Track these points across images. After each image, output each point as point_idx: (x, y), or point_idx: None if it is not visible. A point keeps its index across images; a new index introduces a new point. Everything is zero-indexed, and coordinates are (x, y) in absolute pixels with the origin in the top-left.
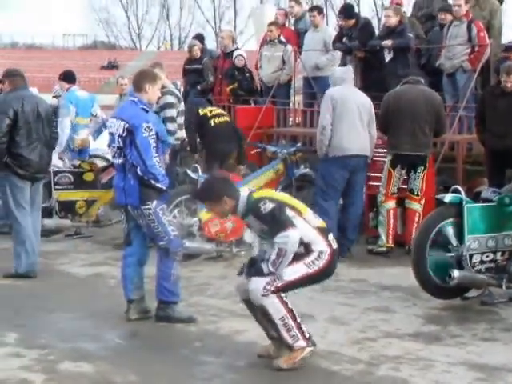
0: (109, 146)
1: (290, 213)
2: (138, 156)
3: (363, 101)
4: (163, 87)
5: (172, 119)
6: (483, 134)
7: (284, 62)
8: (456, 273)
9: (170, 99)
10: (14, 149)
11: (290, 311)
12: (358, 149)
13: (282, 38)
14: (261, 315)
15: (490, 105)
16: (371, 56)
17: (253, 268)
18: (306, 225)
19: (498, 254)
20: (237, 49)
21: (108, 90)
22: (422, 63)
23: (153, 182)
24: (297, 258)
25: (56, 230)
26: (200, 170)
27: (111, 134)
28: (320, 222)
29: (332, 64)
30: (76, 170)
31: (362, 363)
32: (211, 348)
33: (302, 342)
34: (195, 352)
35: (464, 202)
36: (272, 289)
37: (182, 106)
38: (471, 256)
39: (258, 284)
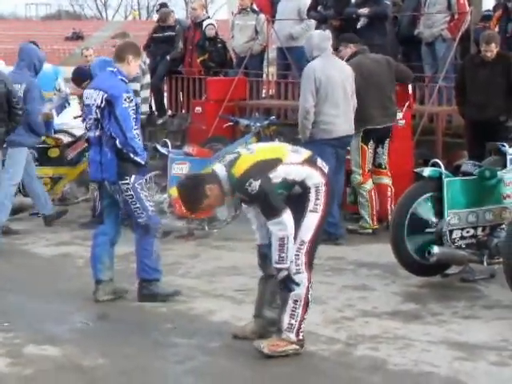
0: (84, 118)
1: (273, 173)
2: (118, 127)
3: (346, 72)
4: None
5: (135, 93)
6: (463, 105)
7: (257, 32)
8: (436, 249)
9: None
10: None
11: (306, 302)
12: (344, 130)
13: (255, 7)
14: (271, 294)
15: (470, 75)
16: (347, 25)
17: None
18: (291, 167)
19: (479, 230)
20: (208, 18)
21: (73, 62)
22: (396, 32)
23: (132, 155)
24: (299, 207)
25: (20, 208)
26: (170, 145)
27: (87, 105)
28: (304, 154)
29: (306, 33)
30: (40, 145)
31: (339, 343)
32: (183, 329)
33: (293, 336)
34: (166, 334)
35: (443, 176)
36: (302, 257)
37: (146, 79)
38: (451, 232)
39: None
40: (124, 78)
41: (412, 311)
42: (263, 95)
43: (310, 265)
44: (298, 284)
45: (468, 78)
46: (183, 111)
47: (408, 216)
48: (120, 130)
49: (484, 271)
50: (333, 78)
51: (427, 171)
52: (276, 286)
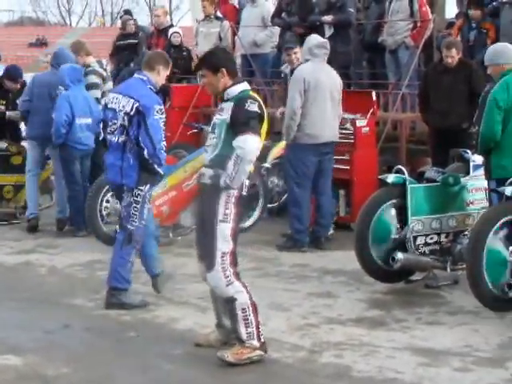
0: (105, 121)
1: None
2: (148, 138)
3: (335, 80)
4: (87, 66)
5: (96, 100)
6: (426, 112)
7: (221, 39)
8: (400, 255)
9: (94, 79)
10: None
11: (253, 304)
12: (329, 136)
13: (219, 14)
14: (222, 304)
15: (434, 82)
16: (311, 32)
17: (203, 258)
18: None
19: (443, 236)
20: (171, 25)
21: (36, 69)
22: (360, 39)
23: (156, 166)
24: (210, 212)
25: None
26: None
27: (112, 109)
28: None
29: (270, 41)
30: (3, 153)
31: (303, 350)
32: (147, 337)
33: (255, 342)
34: (130, 342)
35: (407, 183)
36: (229, 268)
37: (108, 86)
38: (415, 238)
39: (215, 278)
40: (153, 88)
41: (376, 318)
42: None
43: (236, 273)
44: (236, 293)
45: (431, 86)
46: None
47: (372, 223)
48: (150, 141)
49: (448, 277)
50: (321, 83)
51: (391, 178)
52: (224, 302)
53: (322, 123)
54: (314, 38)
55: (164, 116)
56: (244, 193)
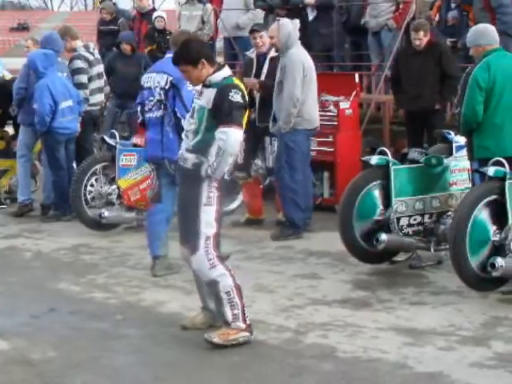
0: (141, 103)
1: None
2: (184, 108)
3: (313, 63)
4: (74, 51)
5: (82, 85)
6: (399, 94)
7: (203, 22)
8: (383, 236)
9: (79, 64)
10: None
11: (237, 286)
12: (318, 119)
13: None
14: (205, 286)
15: (404, 65)
16: (294, 14)
17: (187, 242)
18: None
19: (426, 217)
20: (154, 9)
21: (18, 53)
22: (343, 21)
23: None
24: (193, 197)
25: None
26: (117, 136)
27: (148, 88)
28: None
29: (253, 23)
30: None
31: (289, 331)
32: (133, 320)
33: (241, 324)
34: (117, 325)
35: (390, 164)
36: (212, 251)
37: (97, 69)
38: (398, 219)
39: (199, 261)
40: None
41: (361, 298)
42: None
43: (219, 257)
44: (220, 276)
45: (402, 69)
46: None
47: (356, 204)
48: (185, 111)
49: (431, 258)
50: (312, 67)
51: (374, 159)
52: (208, 285)
53: (316, 107)
54: (291, 22)
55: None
56: (226, 177)
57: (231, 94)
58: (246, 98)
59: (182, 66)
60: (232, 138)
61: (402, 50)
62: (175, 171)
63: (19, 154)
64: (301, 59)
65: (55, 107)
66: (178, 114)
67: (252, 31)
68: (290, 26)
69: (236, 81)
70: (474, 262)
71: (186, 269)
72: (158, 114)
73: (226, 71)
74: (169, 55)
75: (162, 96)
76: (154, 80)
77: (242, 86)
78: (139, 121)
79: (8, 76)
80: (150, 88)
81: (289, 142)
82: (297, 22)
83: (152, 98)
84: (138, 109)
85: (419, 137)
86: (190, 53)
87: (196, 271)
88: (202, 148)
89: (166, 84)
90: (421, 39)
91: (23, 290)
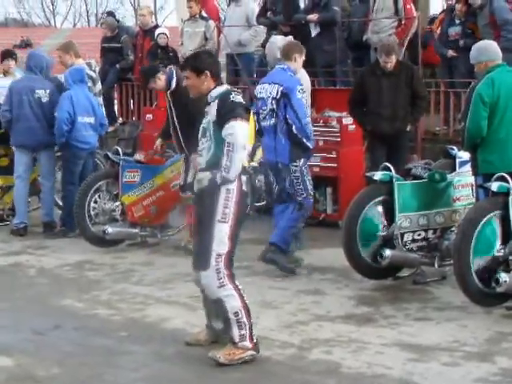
0: (256, 111)
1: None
2: (294, 115)
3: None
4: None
5: None
6: (362, 116)
7: (206, 39)
8: (387, 252)
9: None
10: None
11: (245, 307)
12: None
13: (204, 14)
14: (213, 305)
15: (373, 86)
16: (296, 31)
17: (197, 260)
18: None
19: (430, 232)
20: (157, 26)
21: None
22: (345, 37)
23: (304, 140)
24: (207, 212)
25: None
26: (121, 153)
27: (261, 98)
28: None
29: (256, 40)
30: None
31: (293, 347)
32: (138, 336)
33: (247, 343)
34: (121, 341)
35: (394, 180)
36: (224, 270)
37: (98, 87)
38: (402, 235)
39: (209, 278)
40: (292, 74)
41: (365, 314)
42: None
43: (231, 275)
44: (227, 296)
45: (371, 89)
46: (134, 118)
47: (360, 220)
48: (296, 118)
49: (435, 273)
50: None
51: (378, 175)
52: (214, 304)
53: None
54: (280, 39)
55: (305, 94)
56: (245, 188)
57: (232, 95)
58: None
59: (187, 71)
60: (238, 130)
61: (367, 70)
62: (284, 173)
63: (15, 175)
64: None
65: (74, 119)
66: (290, 121)
67: None
68: (280, 43)
69: (235, 94)
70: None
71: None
72: (271, 122)
73: (226, 86)
74: (279, 66)
75: (274, 105)
76: (267, 90)
77: (242, 100)
78: (256, 129)
79: None
80: (263, 98)
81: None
82: (289, 38)
83: (265, 108)
84: (255, 118)
85: (383, 158)
86: (198, 62)
87: (204, 287)
88: (214, 163)
89: (277, 94)
90: (392, 62)
91: (27, 306)
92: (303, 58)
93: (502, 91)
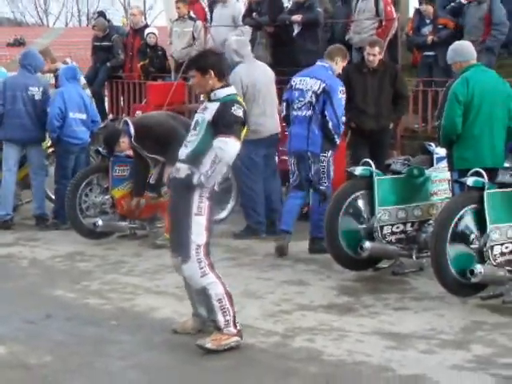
0: (287, 101)
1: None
2: (333, 113)
3: (269, 75)
4: (56, 70)
5: None
6: (346, 111)
7: (194, 38)
8: (367, 244)
9: None
10: None
11: (228, 293)
12: (270, 129)
13: (192, 14)
14: (196, 294)
15: (358, 84)
16: (281, 31)
17: (178, 251)
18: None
19: (408, 225)
20: (146, 25)
21: (15, 68)
22: (328, 38)
23: (336, 136)
24: (184, 206)
25: None
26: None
27: (299, 89)
28: None
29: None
30: None
31: (277, 335)
32: (127, 326)
33: (232, 329)
34: (111, 330)
35: (374, 175)
36: (204, 260)
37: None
38: (382, 227)
39: (191, 269)
40: (332, 73)
41: (346, 304)
42: (201, 99)
43: (211, 264)
44: (210, 283)
45: (356, 86)
46: (124, 115)
47: (341, 213)
48: (335, 116)
49: (413, 265)
50: (258, 82)
51: (359, 170)
52: (198, 293)
53: (264, 119)
54: (234, 41)
55: (345, 96)
56: (216, 188)
57: (234, 108)
58: (246, 117)
59: (192, 70)
60: (230, 148)
61: (352, 67)
62: (313, 162)
63: (4, 168)
64: (240, 77)
65: (65, 115)
66: (327, 117)
67: None
68: (235, 45)
69: (239, 98)
70: (455, 268)
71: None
72: (307, 113)
73: (231, 89)
74: (319, 63)
75: (313, 99)
76: (307, 83)
77: (244, 104)
78: (282, 115)
79: None
80: (301, 90)
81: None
82: (244, 39)
83: (302, 99)
84: (284, 105)
85: (365, 154)
86: (203, 61)
87: (187, 279)
88: (194, 159)
89: (318, 89)
90: (375, 55)
91: (20, 296)
92: (345, 63)
93: (476, 90)
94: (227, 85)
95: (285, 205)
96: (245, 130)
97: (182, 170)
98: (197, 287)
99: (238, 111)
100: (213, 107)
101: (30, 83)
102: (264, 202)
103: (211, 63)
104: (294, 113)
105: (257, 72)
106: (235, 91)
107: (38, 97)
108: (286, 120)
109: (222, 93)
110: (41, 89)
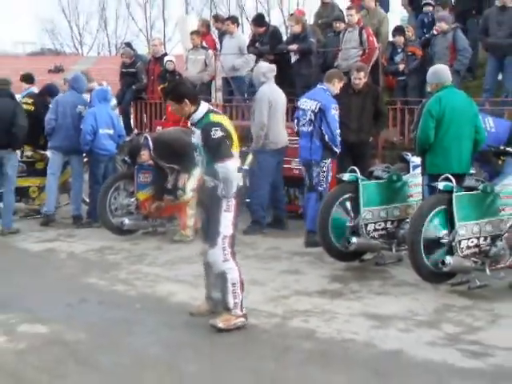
0: (297, 117)
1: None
2: (328, 128)
3: (283, 97)
4: (91, 90)
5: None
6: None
7: (206, 65)
8: (354, 239)
9: None
10: None
11: (241, 281)
12: (284, 141)
13: (204, 44)
14: (214, 278)
15: (345, 102)
16: (280, 58)
17: (208, 239)
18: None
19: (389, 223)
20: (165, 54)
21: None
22: (320, 63)
23: (333, 146)
24: (215, 204)
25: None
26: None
27: (303, 109)
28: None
29: (247, 66)
30: (29, 159)
31: (277, 317)
32: (149, 308)
33: (239, 311)
34: (136, 312)
35: (359, 180)
36: (228, 248)
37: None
38: (366, 225)
39: (216, 254)
40: (330, 94)
41: (336, 290)
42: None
43: (233, 253)
44: (230, 269)
45: (343, 105)
46: (147, 130)
47: (331, 213)
48: (329, 130)
49: (393, 256)
50: (278, 101)
51: (346, 176)
52: (216, 274)
53: (280, 132)
54: (265, 65)
55: (338, 112)
56: (241, 184)
57: (212, 132)
58: (227, 126)
59: (169, 100)
60: (229, 169)
61: (340, 89)
62: (314, 167)
63: (49, 171)
64: (267, 95)
65: (96, 131)
66: (323, 132)
67: None
68: (265, 68)
69: (212, 117)
70: (428, 259)
71: (195, 264)
72: (309, 128)
73: (203, 107)
74: (319, 86)
75: (312, 116)
76: (308, 104)
77: (220, 119)
78: (295, 130)
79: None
80: (304, 109)
81: (260, 158)
82: (273, 66)
83: (305, 117)
84: (295, 122)
85: (349, 163)
86: (176, 92)
87: (211, 263)
88: (211, 173)
89: (315, 108)
90: (361, 79)
91: (59, 283)
92: (341, 84)
93: (447, 108)
94: (199, 104)
95: (306, 208)
96: (235, 140)
97: (208, 181)
98: (217, 271)
99: (216, 133)
100: (198, 133)
101: (78, 102)
102: (270, 200)
103: (183, 93)
104: (300, 128)
105: (276, 93)
106: (207, 108)
107: (83, 113)
108: (298, 134)
109: (198, 116)
110: (86, 107)
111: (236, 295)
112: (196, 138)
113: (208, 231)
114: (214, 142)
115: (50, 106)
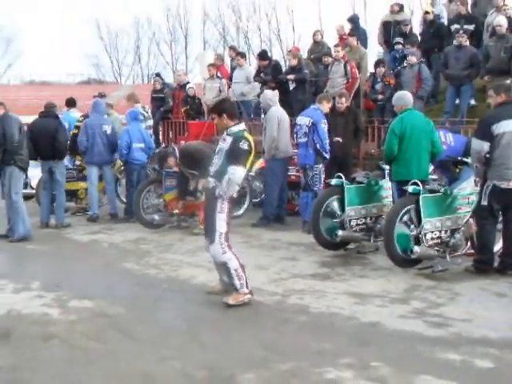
0: (295, 133)
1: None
2: (319, 138)
3: (287, 116)
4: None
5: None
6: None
7: (220, 91)
8: (340, 232)
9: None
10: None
11: (241, 265)
12: (290, 151)
13: (219, 74)
14: (220, 266)
15: (333, 122)
16: (280, 86)
17: (208, 235)
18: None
19: (368, 219)
20: (188, 82)
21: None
22: (313, 91)
23: (324, 152)
24: (212, 204)
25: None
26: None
27: (300, 125)
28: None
29: (253, 92)
30: (78, 167)
31: (278, 295)
32: (174, 289)
33: (245, 289)
34: (164, 291)
35: (344, 184)
36: (224, 243)
37: (149, 123)
38: (350, 220)
39: (215, 249)
40: (320, 112)
41: (326, 273)
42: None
43: (229, 246)
44: (229, 259)
45: (330, 124)
46: (172, 144)
47: (322, 210)
48: (320, 140)
49: (371, 246)
50: (283, 120)
51: (333, 181)
52: (221, 265)
53: (287, 144)
54: (269, 92)
55: (327, 125)
56: (234, 195)
57: (241, 143)
58: (252, 145)
59: (213, 113)
60: (239, 174)
61: (329, 111)
62: (309, 170)
63: (89, 182)
64: (276, 115)
65: (130, 145)
66: (315, 141)
67: None
68: (270, 94)
69: (246, 134)
70: (400, 248)
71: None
72: (304, 140)
73: (241, 126)
74: (312, 106)
75: (307, 130)
76: (303, 120)
77: (250, 138)
78: (295, 142)
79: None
80: (300, 125)
81: (272, 166)
82: (276, 92)
83: (301, 131)
84: (295, 135)
85: (336, 171)
86: (219, 107)
87: (212, 256)
88: (217, 175)
89: (308, 123)
90: (342, 103)
91: (102, 268)
92: (330, 105)
93: (408, 126)
94: (238, 123)
95: (300, 205)
96: (252, 155)
97: (210, 182)
98: (218, 262)
99: (244, 145)
100: (228, 140)
101: (103, 123)
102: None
103: (223, 108)
104: (298, 140)
105: (282, 113)
106: (243, 127)
107: (108, 131)
108: (297, 145)
109: (234, 129)
110: (110, 126)
111: (240, 277)
112: (225, 143)
113: (208, 228)
114: (239, 150)
115: (81, 128)
